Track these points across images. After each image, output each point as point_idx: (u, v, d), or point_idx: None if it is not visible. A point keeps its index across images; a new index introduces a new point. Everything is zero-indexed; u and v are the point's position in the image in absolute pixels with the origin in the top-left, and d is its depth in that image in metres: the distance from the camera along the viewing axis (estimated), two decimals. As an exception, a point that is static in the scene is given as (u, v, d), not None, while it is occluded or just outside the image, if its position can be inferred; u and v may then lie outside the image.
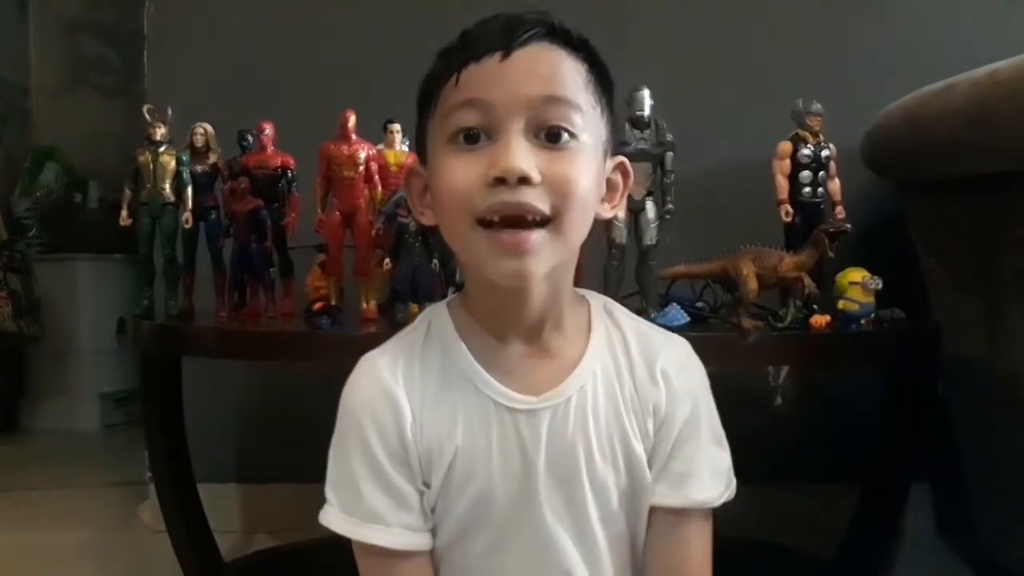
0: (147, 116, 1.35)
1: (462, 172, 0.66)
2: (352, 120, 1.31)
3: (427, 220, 0.74)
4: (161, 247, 1.34)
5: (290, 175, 1.35)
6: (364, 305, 1.32)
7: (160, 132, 1.33)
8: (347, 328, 1.27)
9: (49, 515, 2.07)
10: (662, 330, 0.80)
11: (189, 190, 1.33)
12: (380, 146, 1.36)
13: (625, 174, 0.75)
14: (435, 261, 1.25)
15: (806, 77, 1.72)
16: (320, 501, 0.74)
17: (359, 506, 0.71)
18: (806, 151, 1.25)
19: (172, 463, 1.41)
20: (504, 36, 0.66)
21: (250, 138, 1.37)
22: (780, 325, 1.19)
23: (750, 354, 1.15)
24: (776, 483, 1.64)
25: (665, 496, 0.74)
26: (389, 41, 1.80)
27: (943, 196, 1.42)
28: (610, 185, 0.74)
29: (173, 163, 1.32)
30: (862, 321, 1.19)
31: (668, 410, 0.74)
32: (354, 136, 1.31)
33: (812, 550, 1.50)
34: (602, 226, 1.04)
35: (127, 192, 1.34)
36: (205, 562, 1.42)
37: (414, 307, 1.27)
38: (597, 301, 0.78)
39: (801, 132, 1.26)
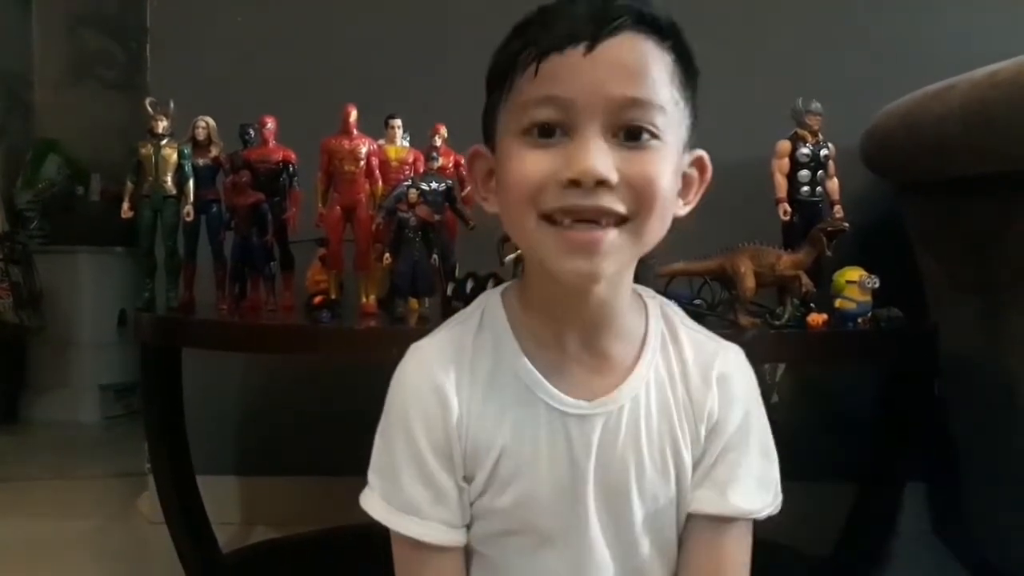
0: (149, 109, 1.35)
1: (533, 166, 0.62)
2: (353, 115, 1.31)
3: (490, 206, 0.70)
4: (162, 240, 1.35)
5: (291, 169, 1.36)
6: (364, 299, 1.32)
7: (162, 125, 1.34)
8: (346, 322, 1.27)
9: (49, 506, 2.07)
10: (716, 336, 0.77)
11: (191, 183, 1.33)
12: (381, 141, 1.36)
13: (702, 168, 0.71)
14: (435, 256, 1.25)
15: (805, 76, 1.72)
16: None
17: (398, 496, 0.70)
18: (805, 150, 1.26)
19: (171, 455, 1.42)
20: (591, 24, 0.61)
21: (252, 132, 1.37)
22: (777, 323, 1.19)
23: (747, 352, 1.15)
24: (772, 481, 1.64)
25: (707, 502, 0.71)
26: (392, 36, 1.80)
27: (941, 196, 1.42)
28: (685, 180, 0.70)
29: (175, 156, 1.33)
30: (859, 320, 1.20)
31: (721, 415, 0.72)
32: (355, 131, 1.32)
33: (808, 548, 1.50)
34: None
35: (129, 185, 1.35)
36: (203, 553, 1.43)
37: (413, 302, 1.28)
38: (654, 302, 0.76)
39: (800, 131, 1.27)
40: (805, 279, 1.19)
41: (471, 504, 0.71)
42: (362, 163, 1.31)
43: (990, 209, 1.29)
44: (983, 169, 1.26)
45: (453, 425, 0.69)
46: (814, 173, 1.26)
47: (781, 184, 1.26)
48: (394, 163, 1.36)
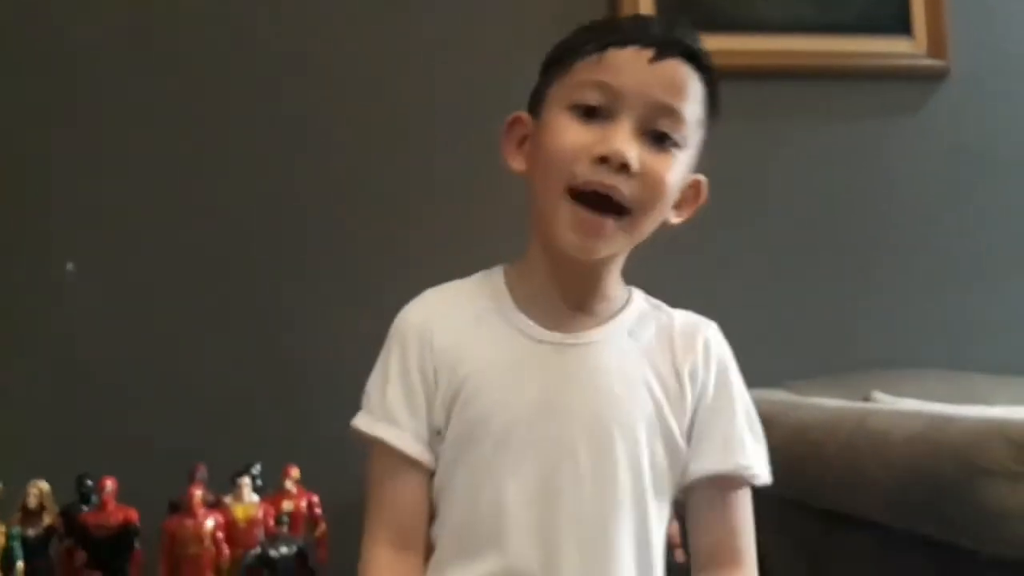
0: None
1: (573, 138, 0.73)
2: (198, 495, 1.26)
3: (517, 165, 0.81)
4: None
5: (133, 529, 1.28)
6: None
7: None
8: None
9: None
10: (698, 315, 0.85)
11: (20, 564, 1.23)
12: (228, 498, 1.32)
13: (698, 190, 0.82)
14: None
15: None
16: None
17: (382, 407, 0.79)
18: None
19: None
20: (656, 37, 0.74)
21: (89, 483, 1.29)
22: None
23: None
24: None
25: (713, 463, 0.77)
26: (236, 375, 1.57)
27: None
28: (683, 195, 0.80)
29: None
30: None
31: (705, 377, 0.79)
32: (201, 509, 1.26)
33: None
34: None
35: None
36: None
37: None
38: (640, 291, 0.85)
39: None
40: None
41: (446, 424, 0.78)
42: (207, 543, 1.25)
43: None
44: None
45: (436, 349, 0.79)
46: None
47: None
48: (242, 524, 1.30)
